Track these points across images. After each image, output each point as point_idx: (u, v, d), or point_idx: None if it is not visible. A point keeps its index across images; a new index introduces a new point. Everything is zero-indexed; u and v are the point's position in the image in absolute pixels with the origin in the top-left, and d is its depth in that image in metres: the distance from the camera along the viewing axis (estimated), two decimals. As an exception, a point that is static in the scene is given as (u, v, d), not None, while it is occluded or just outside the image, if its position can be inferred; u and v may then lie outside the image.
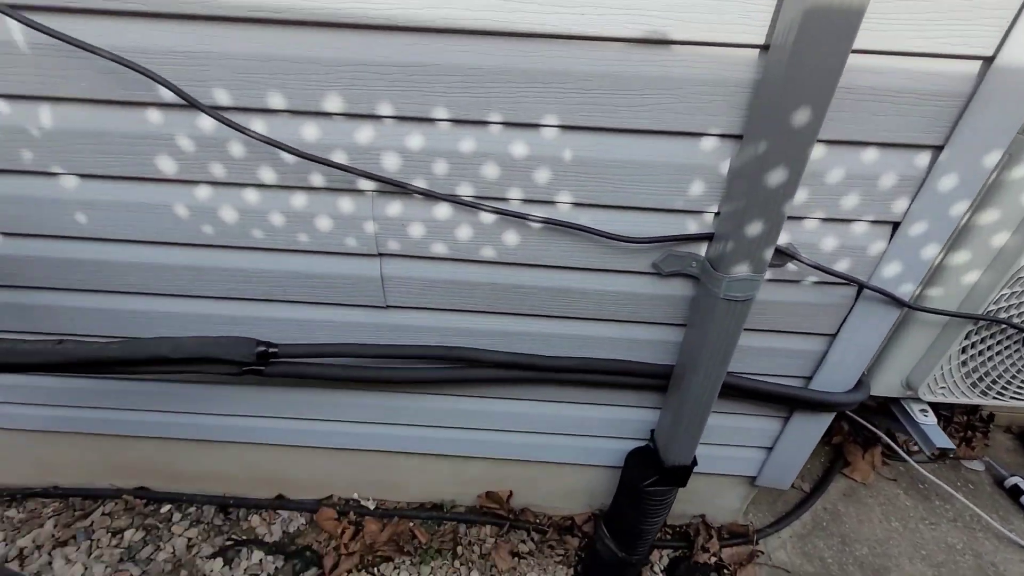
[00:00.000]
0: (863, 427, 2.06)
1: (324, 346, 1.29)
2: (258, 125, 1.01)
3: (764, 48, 0.89)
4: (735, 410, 1.45)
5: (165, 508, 1.84)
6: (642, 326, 1.29)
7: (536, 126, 1.01)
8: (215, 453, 1.71)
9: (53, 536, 1.74)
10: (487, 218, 1.12)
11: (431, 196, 1.08)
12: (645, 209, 1.10)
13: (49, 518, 1.80)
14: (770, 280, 1.17)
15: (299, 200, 1.12)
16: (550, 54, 0.93)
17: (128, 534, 1.76)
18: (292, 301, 1.29)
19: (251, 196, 1.12)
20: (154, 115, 1.02)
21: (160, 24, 0.93)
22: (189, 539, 1.76)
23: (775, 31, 0.84)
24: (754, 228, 0.96)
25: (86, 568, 1.67)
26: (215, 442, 1.66)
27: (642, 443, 1.56)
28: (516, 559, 1.74)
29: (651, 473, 1.41)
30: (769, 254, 0.99)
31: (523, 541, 1.79)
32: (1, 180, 1.12)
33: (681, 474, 1.39)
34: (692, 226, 1.11)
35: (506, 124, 1.01)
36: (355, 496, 1.86)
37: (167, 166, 1.08)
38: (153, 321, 1.33)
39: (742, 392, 1.33)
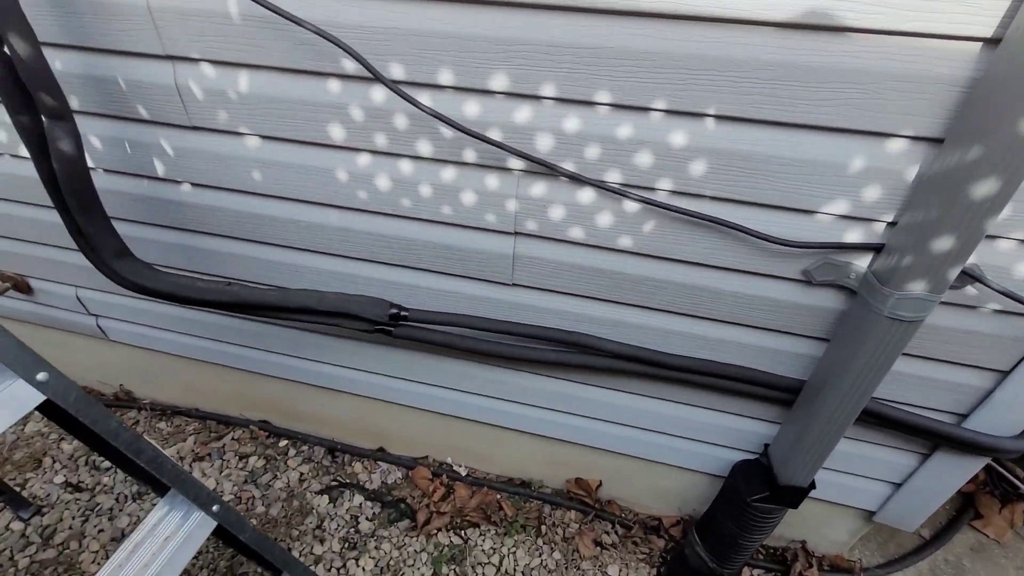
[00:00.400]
0: (1003, 478, 1.83)
1: (450, 315, 1.35)
2: (424, 99, 1.06)
3: (991, 42, 0.79)
4: (866, 438, 1.34)
5: (283, 443, 2.04)
6: (775, 335, 1.23)
7: (700, 115, 0.97)
8: (330, 400, 1.86)
9: (193, 451, 2.00)
10: (631, 207, 1.11)
11: (578, 180, 1.09)
12: (803, 211, 1.03)
13: (190, 435, 2.06)
14: (941, 302, 1.05)
15: (449, 174, 1.17)
16: (731, 40, 0.89)
17: (252, 460, 1.98)
18: (424, 269, 1.36)
19: (406, 167, 1.19)
20: (334, 85, 1.11)
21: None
22: (301, 474, 1.94)
23: (1014, 23, 0.74)
24: (942, 243, 0.86)
25: (217, 483, 1.90)
26: (331, 390, 1.81)
27: (749, 455, 1.49)
28: (599, 549, 1.74)
29: (760, 488, 1.34)
30: (954, 274, 0.89)
31: (607, 532, 1.79)
32: (197, 136, 1.27)
33: (795, 495, 1.31)
34: (856, 234, 1.02)
35: (668, 112, 0.98)
36: (448, 460, 1.95)
37: (337, 133, 1.17)
38: (300, 273, 1.46)
39: (882, 420, 1.23)
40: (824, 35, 0.85)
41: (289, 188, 1.29)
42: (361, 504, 1.86)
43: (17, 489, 1.82)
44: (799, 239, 1.03)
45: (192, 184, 1.37)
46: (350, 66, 1.06)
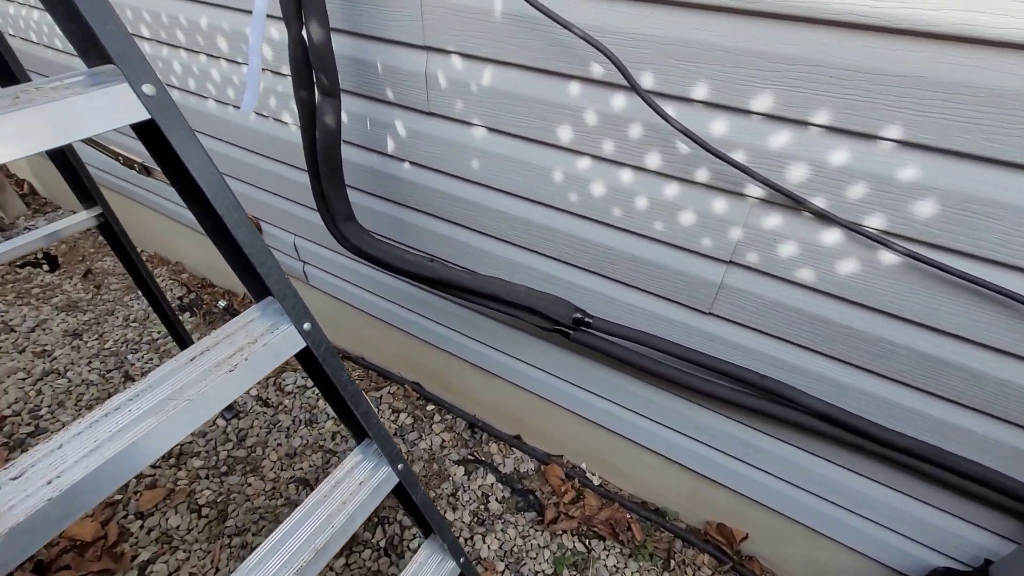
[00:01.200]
0: None
1: (634, 331, 1.31)
2: (668, 111, 1.01)
3: None
4: None
5: (430, 407, 2.19)
6: (1044, 440, 1.00)
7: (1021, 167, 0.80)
8: (482, 380, 1.95)
9: (355, 395, 2.24)
10: (888, 258, 0.96)
11: (828, 219, 0.97)
12: None
13: (354, 381, 2.31)
14: None
15: (672, 190, 1.12)
16: (1107, 82, 0.70)
17: (402, 416, 2.16)
18: (614, 279, 1.33)
19: (626, 176, 1.16)
20: (575, 88, 1.11)
21: (614, 5, 0.98)
22: (443, 440, 2.07)
23: None
24: None
25: (372, 429, 2.10)
26: (486, 371, 1.89)
27: (956, 563, 1.25)
28: (731, 604, 1.62)
29: (970, 610, 1.13)
30: None
31: (742, 589, 1.65)
32: (431, 121, 1.36)
33: (1022, 634, 1.07)
34: None
35: (975, 158, 0.82)
36: (583, 466, 1.94)
37: (564, 135, 1.17)
38: (489, 260, 1.52)
39: None
40: None
41: (503, 180, 1.33)
42: (493, 484, 1.93)
43: (225, 393, 2.19)
44: None
45: (412, 163, 1.48)
46: (597, 70, 1.05)
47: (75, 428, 0.66)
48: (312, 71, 1.25)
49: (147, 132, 0.65)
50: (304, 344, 0.95)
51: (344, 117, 1.50)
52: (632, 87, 0.97)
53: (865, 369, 1.11)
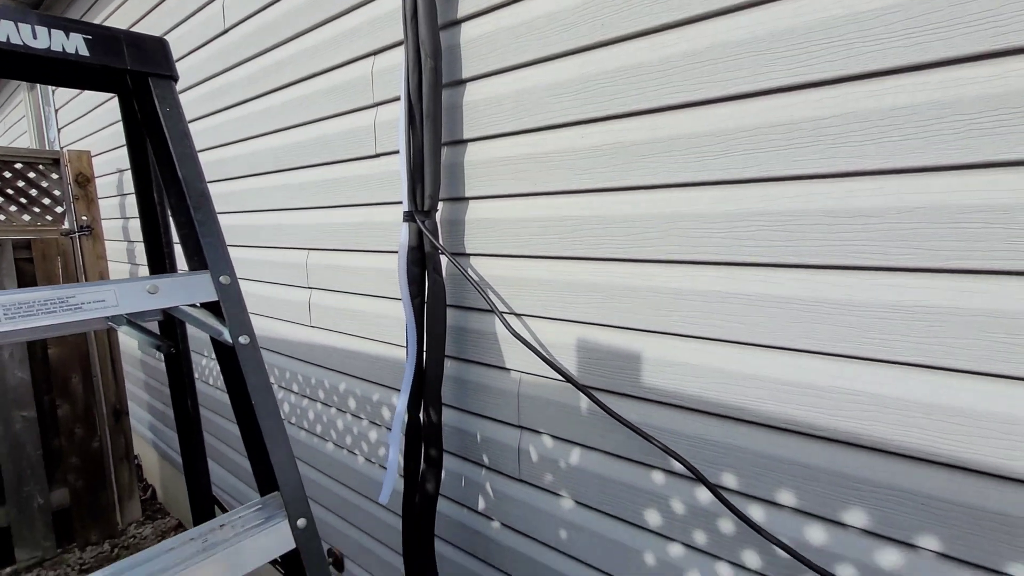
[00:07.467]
0: None
1: None
2: (757, 513, 1.02)
3: None
4: None
5: None
6: None
7: None
8: None
9: None
10: None
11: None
12: None
13: None
14: None
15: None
16: None
17: None
18: None
19: (725, 571, 1.10)
20: (658, 477, 1.18)
21: (689, 416, 1.12)
22: None
23: None
24: None
25: None
26: None
27: None
28: None
29: None
30: None
31: None
32: (520, 487, 1.44)
33: None
34: None
35: None
36: None
37: (652, 519, 1.20)
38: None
39: None
40: None
41: (589, 555, 1.31)
42: None
43: None
44: None
45: (502, 524, 1.52)
46: (678, 466, 1.13)
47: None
48: (423, 445, 1.47)
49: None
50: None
51: (443, 474, 1.62)
52: (702, 482, 1.03)
53: None
